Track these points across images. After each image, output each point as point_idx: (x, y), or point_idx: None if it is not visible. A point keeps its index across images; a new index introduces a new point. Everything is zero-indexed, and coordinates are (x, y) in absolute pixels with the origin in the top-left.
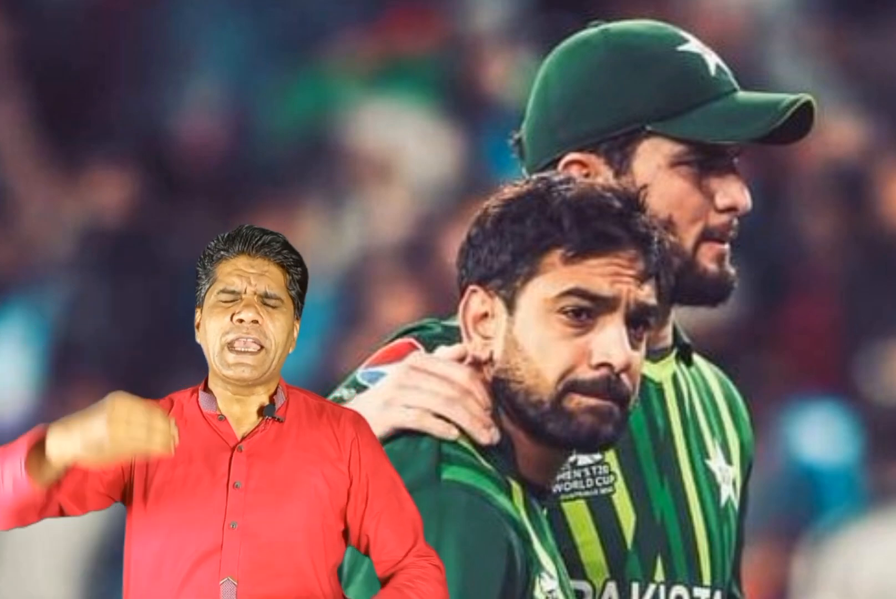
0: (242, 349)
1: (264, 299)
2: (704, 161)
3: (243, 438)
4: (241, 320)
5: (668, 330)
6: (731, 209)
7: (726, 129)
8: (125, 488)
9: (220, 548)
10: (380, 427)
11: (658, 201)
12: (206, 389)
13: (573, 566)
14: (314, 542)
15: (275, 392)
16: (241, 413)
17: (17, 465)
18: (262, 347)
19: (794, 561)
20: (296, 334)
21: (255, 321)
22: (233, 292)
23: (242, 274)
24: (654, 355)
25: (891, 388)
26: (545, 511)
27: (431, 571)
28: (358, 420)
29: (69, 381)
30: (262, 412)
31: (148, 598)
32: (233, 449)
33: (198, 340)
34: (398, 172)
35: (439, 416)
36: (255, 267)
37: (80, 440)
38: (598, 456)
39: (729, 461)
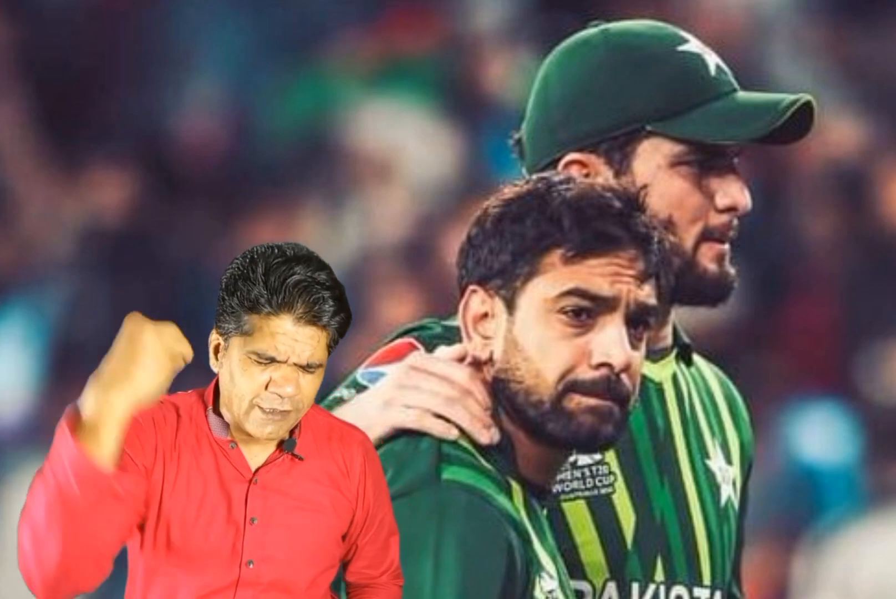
0: (270, 410)
1: (305, 368)
2: (704, 161)
3: (257, 469)
4: (278, 394)
5: (668, 330)
6: (731, 209)
7: (726, 129)
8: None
9: (236, 584)
10: (380, 427)
11: (658, 201)
12: (216, 409)
13: (573, 566)
14: (320, 572)
15: (296, 426)
16: (251, 440)
17: (63, 446)
18: (289, 412)
19: (794, 561)
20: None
21: (291, 396)
22: (272, 358)
23: (286, 344)
24: (654, 355)
25: (891, 388)
26: (545, 511)
27: (397, 593)
28: (366, 445)
29: (69, 381)
30: (278, 442)
31: None
32: (249, 482)
33: (213, 367)
34: (398, 172)
35: (439, 416)
36: (301, 336)
37: (113, 384)
38: (598, 456)
39: (729, 461)
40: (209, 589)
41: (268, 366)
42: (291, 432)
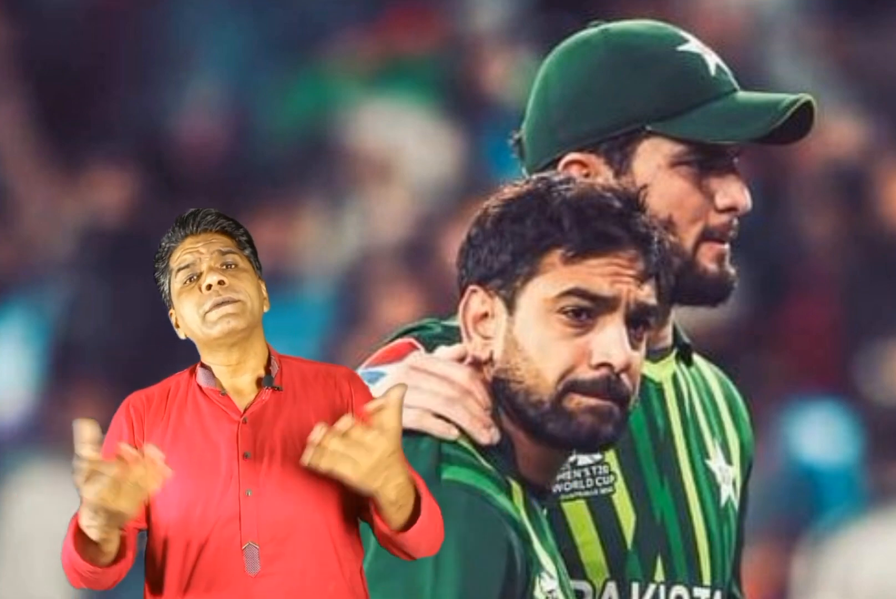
0: (221, 303)
1: (222, 256)
2: (704, 161)
3: (245, 409)
4: (209, 286)
5: (668, 330)
6: (731, 209)
7: (726, 129)
8: None
9: (239, 516)
10: None
11: (658, 201)
12: (203, 366)
13: (573, 566)
14: (325, 500)
15: (268, 363)
16: (241, 385)
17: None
18: (237, 300)
19: (794, 561)
20: (265, 293)
21: (221, 282)
22: (188, 267)
23: (192, 249)
24: (654, 355)
25: (891, 388)
26: (545, 511)
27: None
28: (352, 377)
29: (69, 381)
30: (259, 382)
31: (171, 569)
32: (238, 422)
33: (182, 336)
34: (398, 172)
35: (439, 416)
36: (201, 240)
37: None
38: (598, 456)
39: (729, 461)
40: (219, 524)
41: (195, 283)
42: (268, 370)
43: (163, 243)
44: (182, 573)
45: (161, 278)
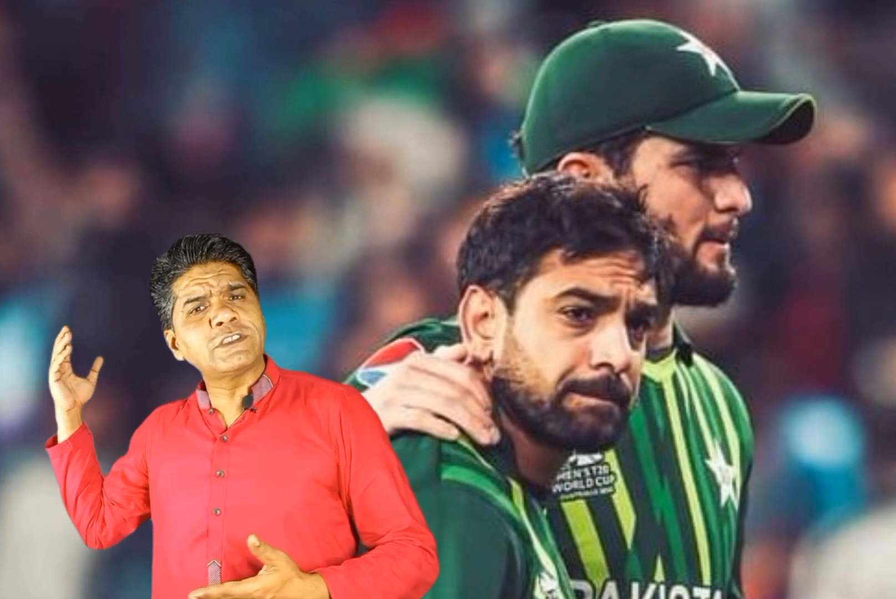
0: (230, 341)
1: (231, 291)
2: (704, 161)
3: (227, 429)
4: (220, 323)
5: (668, 330)
6: (731, 209)
7: (726, 129)
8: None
9: (207, 534)
10: None
11: (658, 201)
12: (203, 387)
13: (573, 566)
14: (297, 523)
15: (256, 382)
16: (230, 405)
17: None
18: (246, 336)
19: (794, 561)
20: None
21: (233, 319)
22: (198, 299)
23: (201, 281)
24: (654, 355)
25: (891, 388)
26: (545, 511)
27: (410, 551)
28: (346, 395)
29: None
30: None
31: (156, 584)
32: (217, 440)
33: (179, 358)
34: (398, 172)
35: (439, 416)
36: (210, 271)
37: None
38: (598, 456)
39: (729, 461)
40: (187, 543)
41: (203, 313)
42: (251, 390)
43: (163, 264)
44: (161, 586)
45: (161, 301)
